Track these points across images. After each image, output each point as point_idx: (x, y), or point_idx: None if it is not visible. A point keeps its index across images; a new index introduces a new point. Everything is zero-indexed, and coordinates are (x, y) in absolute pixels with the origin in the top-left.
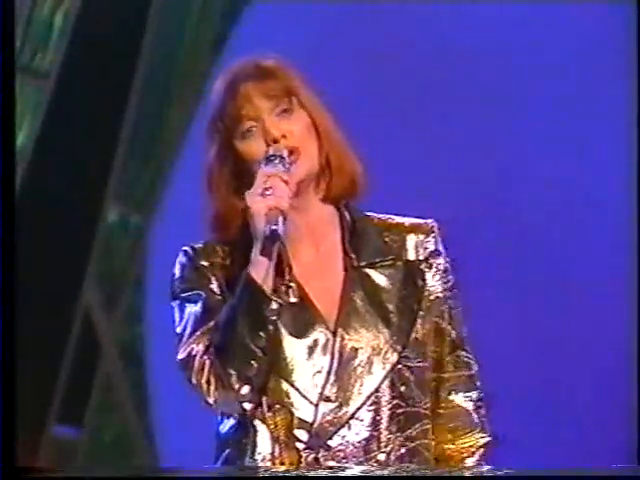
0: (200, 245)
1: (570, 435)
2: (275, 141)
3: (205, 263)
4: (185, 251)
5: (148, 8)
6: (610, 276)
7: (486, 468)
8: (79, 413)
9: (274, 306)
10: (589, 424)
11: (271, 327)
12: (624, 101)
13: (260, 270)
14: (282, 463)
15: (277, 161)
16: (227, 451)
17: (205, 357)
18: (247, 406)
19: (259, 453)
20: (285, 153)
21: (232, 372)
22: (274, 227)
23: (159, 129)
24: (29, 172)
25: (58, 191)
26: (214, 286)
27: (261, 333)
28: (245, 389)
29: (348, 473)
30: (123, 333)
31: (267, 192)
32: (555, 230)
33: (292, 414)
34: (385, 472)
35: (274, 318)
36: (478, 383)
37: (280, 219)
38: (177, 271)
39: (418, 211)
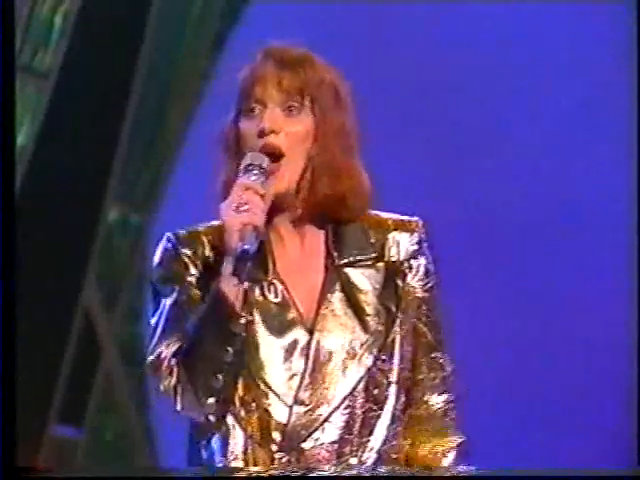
0: (184, 232)
1: (570, 435)
2: (263, 133)
3: (187, 251)
4: (168, 237)
5: (148, 8)
6: (610, 276)
7: (485, 469)
8: (79, 413)
9: (242, 321)
10: (589, 424)
11: (239, 342)
12: (624, 101)
13: (230, 285)
14: (255, 464)
15: (255, 171)
16: (201, 448)
17: (173, 362)
18: (212, 418)
19: (231, 452)
20: (266, 162)
21: (198, 383)
22: (246, 246)
23: (159, 129)
24: (29, 172)
25: (58, 191)
26: (193, 278)
27: (228, 348)
28: (210, 400)
29: (321, 474)
30: (123, 332)
31: (241, 207)
32: (555, 231)
33: (267, 415)
34: (357, 473)
35: (243, 334)
36: (451, 385)
37: (253, 236)
38: (157, 257)
39: (416, 212)
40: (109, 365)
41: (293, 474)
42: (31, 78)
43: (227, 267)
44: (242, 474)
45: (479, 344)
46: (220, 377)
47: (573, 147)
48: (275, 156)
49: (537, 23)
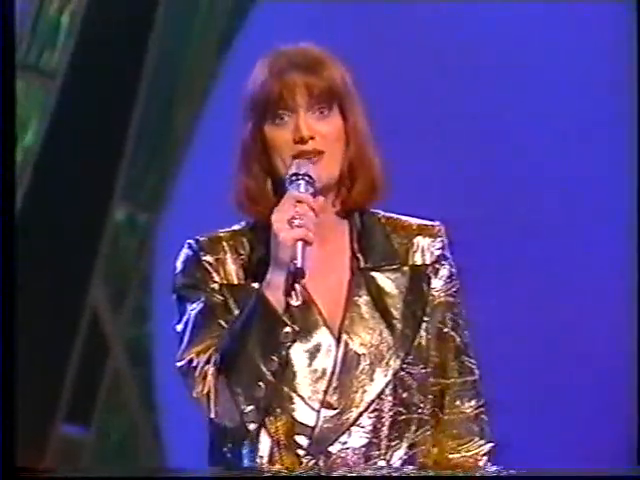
0: (205, 239)
1: (570, 435)
2: (302, 140)
3: (209, 259)
4: (189, 244)
5: (155, 8)
6: (611, 277)
7: (486, 469)
8: (86, 412)
9: (288, 330)
10: (589, 424)
11: (284, 352)
12: (624, 101)
13: (276, 294)
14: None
15: (302, 181)
16: (227, 447)
17: (206, 369)
18: (251, 426)
19: (260, 457)
20: (311, 170)
21: (239, 391)
22: (300, 265)
23: (166, 128)
24: (36, 171)
25: (65, 190)
26: (216, 285)
27: (273, 357)
28: (250, 408)
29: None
30: (130, 332)
31: (295, 221)
32: (555, 231)
33: (293, 419)
34: (384, 472)
35: (288, 344)
36: (481, 389)
37: (306, 253)
38: (179, 264)
39: (414, 213)
40: (116, 364)
41: (311, 475)
42: (38, 78)
43: (274, 278)
44: (248, 474)
45: (477, 346)
46: (263, 386)
47: (573, 147)
48: (315, 158)
49: (537, 23)
